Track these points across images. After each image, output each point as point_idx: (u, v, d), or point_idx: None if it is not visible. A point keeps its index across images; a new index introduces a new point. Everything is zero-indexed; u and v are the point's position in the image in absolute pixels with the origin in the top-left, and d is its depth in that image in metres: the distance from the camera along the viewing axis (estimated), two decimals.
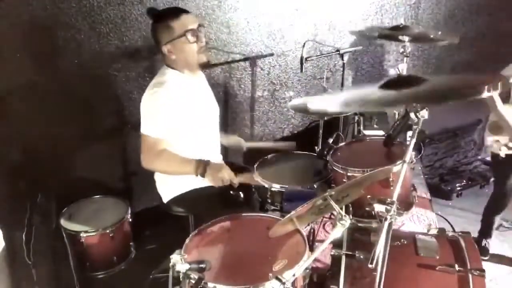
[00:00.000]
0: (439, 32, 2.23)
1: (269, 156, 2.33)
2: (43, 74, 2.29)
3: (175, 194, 2.06)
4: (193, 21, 1.90)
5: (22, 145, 2.33)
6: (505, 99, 2.41)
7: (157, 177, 2.11)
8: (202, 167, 1.86)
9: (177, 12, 1.89)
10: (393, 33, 2.40)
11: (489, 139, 2.40)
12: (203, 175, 1.86)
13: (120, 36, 2.42)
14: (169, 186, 2.07)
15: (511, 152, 2.31)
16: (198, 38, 1.90)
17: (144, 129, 1.87)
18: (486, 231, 2.74)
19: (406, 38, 2.28)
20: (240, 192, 2.09)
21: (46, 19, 2.20)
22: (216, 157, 2.19)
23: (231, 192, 2.06)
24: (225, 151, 2.45)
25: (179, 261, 1.24)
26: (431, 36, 2.18)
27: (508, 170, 2.48)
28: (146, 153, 1.87)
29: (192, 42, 1.89)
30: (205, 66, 2.02)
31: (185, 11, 1.91)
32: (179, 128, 1.91)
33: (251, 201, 2.14)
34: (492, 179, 2.88)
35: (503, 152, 2.33)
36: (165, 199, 2.10)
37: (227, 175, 1.88)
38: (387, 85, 1.46)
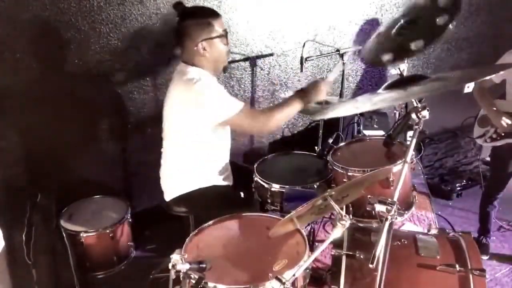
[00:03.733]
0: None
1: (269, 156, 2.34)
2: (43, 74, 2.28)
3: (178, 193, 2.05)
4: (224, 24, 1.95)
5: (22, 145, 2.33)
6: (500, 96, 2.52)
7: (163, 174, 2.10)
8: (303, 94, 1.95)
9: (215, 11, 1.93)
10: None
11: (477, 131, 2.68)
12: (309, 101, 1.95)
13: (120, 36, 2.42)
14: (174, 185, 2.06)
15: (494, 144, 2.57)
16: (228, 41, 1.95)
17: (230, 111, 1.83)
18: (484, 227, 2.75)
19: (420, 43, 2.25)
20: (241, 192, 2.09)
21: (46, 19, 2.20)
22: (226, 157, 2.17)
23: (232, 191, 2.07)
24: None
25: (179, 261, 1.24)
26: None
27: (505, 161, 2.54)
28: (254, 120, 1.89)
29: (227, 43, 1.93)
30: (224, 70, 2.05)
31: (220, 14, 1.94)
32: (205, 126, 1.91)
33: (251, 201, 2.14)
34: None
35: (486, 143, 2.63)
36: (167, 197, 2.09)
37: (322, 85, 1.96)
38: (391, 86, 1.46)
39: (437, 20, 2.01)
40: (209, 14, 1.89)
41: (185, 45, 1.90)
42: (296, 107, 1.93)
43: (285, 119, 1.97)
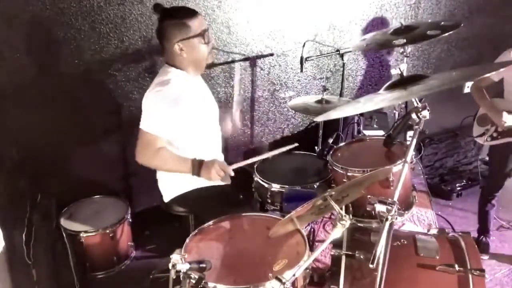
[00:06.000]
0: (442, 23, 2.20)
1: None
2: (43, 74, 2.29)
3: (176, 193, 2.06)
4: (205, 22, 1.93)
5: (22, 145, 2.33)
6: (498, 94, 2.53)
7: (159, 176, 2.10)
8: (197, 165, 1.86)
9: (193, 11, 1.89)
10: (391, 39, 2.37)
11: (476, 130, 2.67)
12: (198, 174, 1.86)
13: (120, 36, 2.42)
14: (171, 186, 2.07)
15: (494, 142, 2.56)
16: (209, 39, 1.92)
17: (143, 125, 1.86)
18: (484, 226, 2.76)
19: (402, 41, 2.26)
20: (240, 195, 2.09)
21: (46, 19, 2.20)
22: (218, 157, 2.19)
23: (231, 191, 2.07)
24: (226, 151, 2.45)
25: (179, 261, 1.24)
26: (428, 32, 2.16)
27: (504, 159, 2.54)
28: (142, 148, 1.86)
29: (206, 42, 1.90)
30: (209, 67, 2.02)
31: (198, 12, 1.90)
32: (182, 127, 1.90)
33: (251, 201, 2.14)
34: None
35: (486, 142, 2.61)
36: (166, 198, 2.09)
37: (219, 168, 1.85)
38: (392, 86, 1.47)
39: (428, 32, 2.06)
40: (184, 14, 1.86)
41: (164, 46, 1.91)
42: (181, 170, 1.89)
43: (163, 169, 1.98)
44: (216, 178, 1.86)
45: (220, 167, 1.85)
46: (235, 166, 1.90)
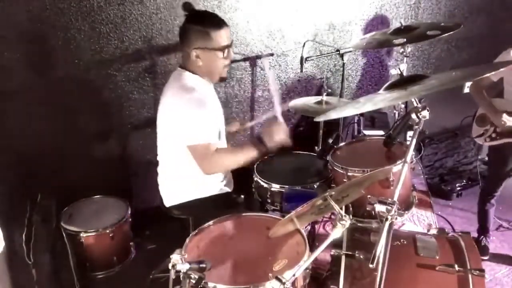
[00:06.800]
0: (442, 24, 2.21)
1: (269, 156, 2.33)
2: (43, 74, 2.29)
3: (178, 201, 2.05)
4: (229, 37, 1.88)
5: (22, 145, 2.33)
6: (498, 94, 2.52)
7: (161, 181, 2.10)
8: (259, 143, 1.89)
9: (220, 23, 1.83)
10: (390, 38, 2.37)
11: (476, 131, 2.66)
12: (267, 148, 1.90)
13: (120, 36, 2.42)
14: (173, 193, 2.06)
15: (494, 143, 2.55)
16: (229, 54, 1.89)
17: (193, 139, 1.83)
18: (483, 226, 2.76)
19: (401, 41, 2.26)
20: (241, 196, 2.08)
21: (46, 19, 2.20)
22: None
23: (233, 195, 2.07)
24: None
25: (179, 261, 1.24)
26: (427, 33, 2.16)
27: (504, 159, 2.54)
28: (204, 160, 1.85)
29: (224, 57, 1.87)
30: (221, 81, 2.02)
31: (226, 24, 1.85)
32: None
33: (251, 201, 2.14)
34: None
35: (485, 143, 2.60)
36: (167, 204, 2.09)
37: (278, 129, 1.91)
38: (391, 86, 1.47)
39: (428, 32, 2.07)
40: (211, 24, 1.81)
41: (183, 47, 1.88)
42: (249, 155, 1.90)
43: (234, 166, 1.95)
44: (282, 140, 1.92)
45: (277, 130, 1.90)
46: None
